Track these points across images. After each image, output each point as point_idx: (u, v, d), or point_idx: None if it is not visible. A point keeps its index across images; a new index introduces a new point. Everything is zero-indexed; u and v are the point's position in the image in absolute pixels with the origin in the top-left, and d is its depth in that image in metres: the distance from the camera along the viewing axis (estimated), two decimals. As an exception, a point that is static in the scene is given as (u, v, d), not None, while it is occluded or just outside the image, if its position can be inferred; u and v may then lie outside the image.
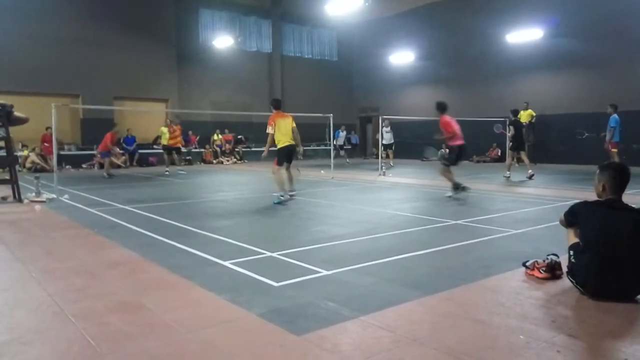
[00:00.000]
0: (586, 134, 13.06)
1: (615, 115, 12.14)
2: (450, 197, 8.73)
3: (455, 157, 9.07)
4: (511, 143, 12.68)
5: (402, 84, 23.32)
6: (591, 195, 3.73)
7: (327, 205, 8.16)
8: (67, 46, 18.39)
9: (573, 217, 3.64)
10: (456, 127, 9.03)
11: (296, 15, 24.95)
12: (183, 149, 20.40)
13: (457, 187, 8.75)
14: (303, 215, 7.31)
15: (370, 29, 24.94)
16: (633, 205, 3.52)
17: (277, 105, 9.06)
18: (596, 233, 3.39)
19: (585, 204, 3.60)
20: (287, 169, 9.03)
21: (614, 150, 12.09)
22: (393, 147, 17.74)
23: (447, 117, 9.09)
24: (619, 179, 3.50)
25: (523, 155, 12.85)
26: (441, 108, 9.23)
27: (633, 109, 14.53)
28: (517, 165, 14.17)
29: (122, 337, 2.77)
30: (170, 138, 15.15)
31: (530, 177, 11.99)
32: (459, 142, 9.00)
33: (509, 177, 12.39)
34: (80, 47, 18.71)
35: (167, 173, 14.74)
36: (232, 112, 19.63)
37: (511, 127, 12.61)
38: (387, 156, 17.33)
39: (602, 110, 13.35)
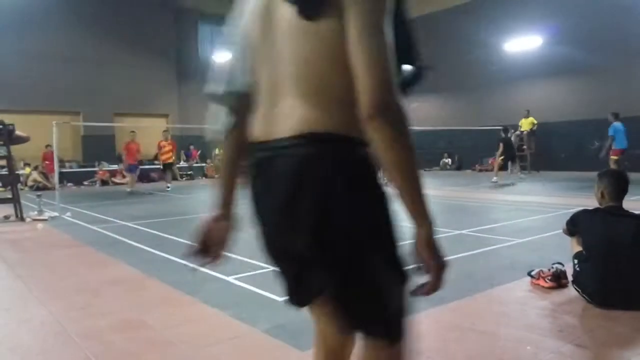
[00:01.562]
0: (597, 143, 13.12)
1: (615, 123, 12.16)
2: None
3: None
4: (502, 157, 13.87)
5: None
6: (594, 202, 3.71)
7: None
8: (67, 64, 18.52)
9: (574, 225, 3.62)
10: None
11: (295, 29, 25.12)
12: (184, 164, 20.50)
13: None
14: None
15: (368, 40, 25.07)
16: (634, 212, 3.50)
17: None
18: (598, 241, 3.37)
19: (585, 212, 3.58)
20: None
21: (614, 157, 12.10)
22: None
23: None
24: (617, 186, 3.49)
25: (511, 165, 14.39)
26: None
27: (633, 115, 14.53)
28: (520, 173, 14.71)
29: (126, 356, 2.75)
30: (160, 154, 14.95)
31: (496, 183, 13.15)
32: None
33: (497, 182, 13.29)
34: (80, 64, 18.84)
35: (168, 188, 14.67)
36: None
37: (501, 145, 13.78)
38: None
39: (603, 116, 13.36)
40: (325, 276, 1.22)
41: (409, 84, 1.24)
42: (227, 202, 1.52)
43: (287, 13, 1.15)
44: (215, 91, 1.38)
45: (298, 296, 1.38)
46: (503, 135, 14.14)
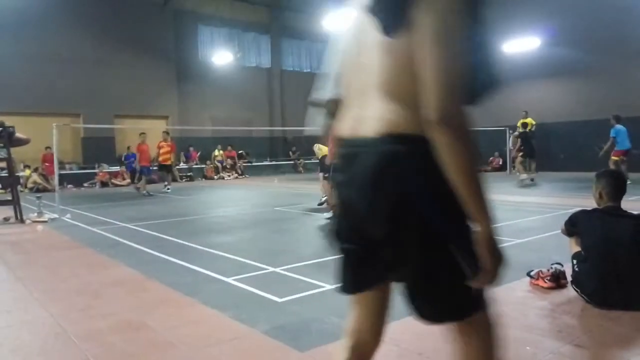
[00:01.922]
0: (602, 145, 13.15)
1: (617, 126, 12.22)
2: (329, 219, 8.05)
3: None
4: (521, 153, 13.68)
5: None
6: (592, 203, 3.72)
7: (330, 218, 8.14)
8: (67, 65, 18.53)
9: (572, 226, 3.63)
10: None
11: (294, 30, 25.16)
12: (184, 165, 20.50)
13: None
14: (306, 229, 7.30)
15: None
16: (633, 212, 3.51)
17: None
18: (596, 241, 3.37)
19: (583, 213, 3.59)
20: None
21: (615, 158, 12.14)
22: None
23: None
24: (615, 186, 3.49)
25: (532, 164, 14.15)
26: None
27: (632, 115, 14.56)
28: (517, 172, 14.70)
29: (126, 357, 2.75)
30: (159, 155, 14.69)
31: (531, 180, 13.25)
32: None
33: (527, 178, 13.27)
34: (80, 66, 18.86)
35: (168, 190, 14.60)
36: (233, 128, 19.70)
37: (519, 140, 13.78)
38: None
39: (601, 117, 13.38)
40: (393, 264, 1.38)
41: (481, 93, 1.34)
42: None
43: (373, 31, 1.35)
44: (318, 98, 1.68)
45: (356, 281, 1.53)
46: (522, 129, 14.16)
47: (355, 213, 1.41)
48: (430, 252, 1.30)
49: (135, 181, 14.31)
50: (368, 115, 1.37)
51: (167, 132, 15.05)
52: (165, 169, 14.96)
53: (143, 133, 14.77)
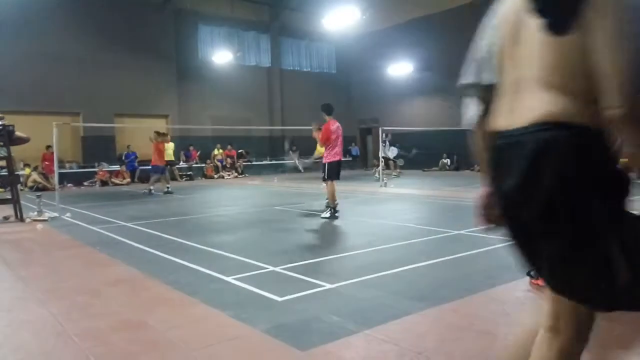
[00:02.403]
0: None
1: None
2: (327, 218, 7.99)
3: (337, 172, 8.19)
4: None
5: (401, 95, 23.41)
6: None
7: (329, 218, 8.14)
8: (67, 64, 18.51)
9: None
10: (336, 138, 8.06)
11: (294, 30, 25.15)
12: (184, 164, 20.48)
13: (335, 211, 8.06)
14: (305, 228, 7.30)
15: (367, 41, 25.09)
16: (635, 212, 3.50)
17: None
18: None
19: None
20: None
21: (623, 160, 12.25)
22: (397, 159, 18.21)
23: (331, 124, 8.06)
24: None
25: None
26: (328, 110, 8.17)
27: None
28: None
29: (126, 356, 2.76)
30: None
31: None
32: (338, 157, 8.16)
33: None
34: (80, 65, 18.84)
35: (168, 188, 14.43)
36: (233, 127, 19.70)
37: None
38: (388, 167, 17.43)
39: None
40: (548, 249, 1.40)
41: None
42: None
43: (534, 26, 1.40)
44: (467, 82, 1.66)
45: (527, 264, 1.56)
46: None
47: (513, 202, 1.43)
48: (583, 241, 1.31)
49: (161, 180, 14.10)
50: (526, 106, 1.39)
51: (157, 132, 14.37)
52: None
53: (165, 133, 14.41)
